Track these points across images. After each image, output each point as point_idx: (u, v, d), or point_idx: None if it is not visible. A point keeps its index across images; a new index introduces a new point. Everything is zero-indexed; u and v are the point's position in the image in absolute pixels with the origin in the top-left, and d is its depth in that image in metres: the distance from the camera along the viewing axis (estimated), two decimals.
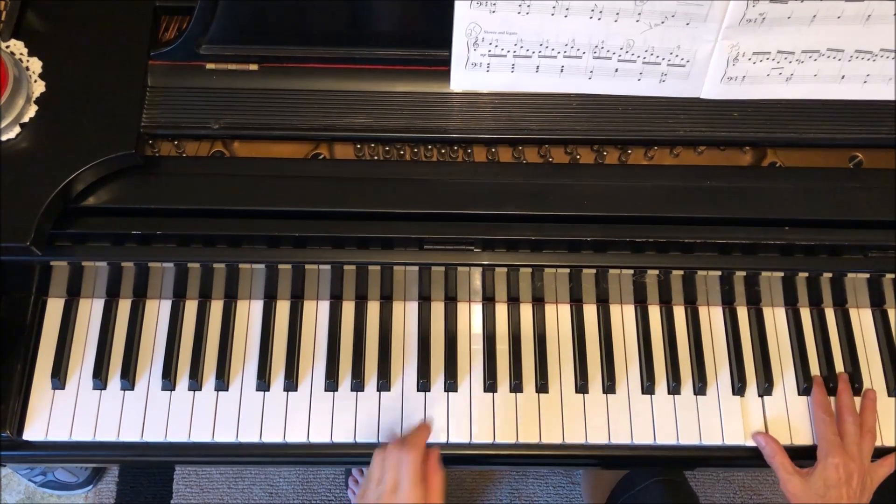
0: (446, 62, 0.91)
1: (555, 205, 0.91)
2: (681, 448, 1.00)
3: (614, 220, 0.92)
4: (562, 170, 0.95)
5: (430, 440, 0.98)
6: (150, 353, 1.01)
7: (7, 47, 0.90)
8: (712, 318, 1.06)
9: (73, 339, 1.01)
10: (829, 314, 1.07)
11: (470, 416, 1.00)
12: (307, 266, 0.96)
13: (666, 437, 1.00)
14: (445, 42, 0.90)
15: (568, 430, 0.99)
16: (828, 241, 0.94)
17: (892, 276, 0.99)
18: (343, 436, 0.98)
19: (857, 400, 1.02)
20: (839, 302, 1.06)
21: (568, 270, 0.98)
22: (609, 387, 1.01)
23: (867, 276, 0.99)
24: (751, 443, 1.00)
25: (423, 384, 1.00)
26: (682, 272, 0.98)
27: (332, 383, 1.00)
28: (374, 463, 0.87)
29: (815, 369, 1.04)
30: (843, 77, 0.92)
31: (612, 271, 0.98)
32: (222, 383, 1.00)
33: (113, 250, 0.92)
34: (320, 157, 0.96)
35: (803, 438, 1.00)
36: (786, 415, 1.02)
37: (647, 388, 1.01)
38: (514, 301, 1.04)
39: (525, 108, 0.93)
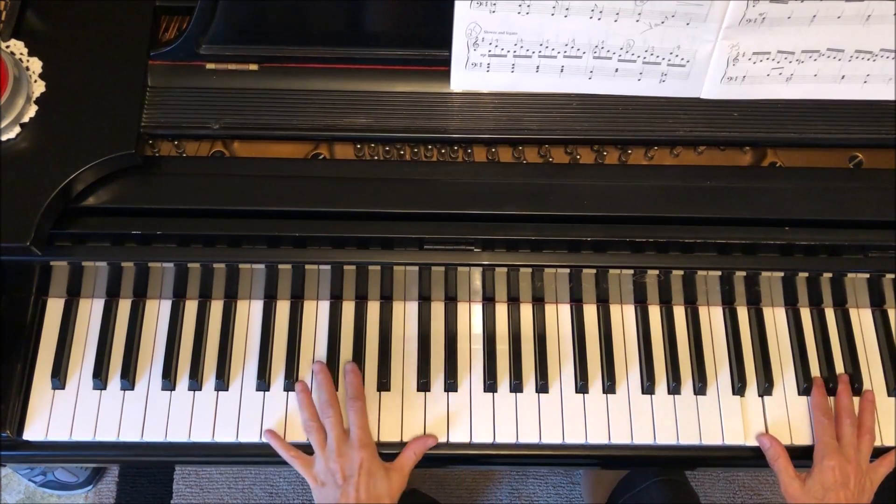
0: (446, 62, 0.91)
1: (555, 205, 0.91)
2: (681, 448, 1.00)
3: (614, 220, 0.92)
4: (562, 170, 0.95)
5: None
6: (150, 353, 1.01)
7: (7, 47, 0.90)
8: (712, 318, 1.06)
9: (73, 339, 1.01)
10: (829, 314, 1.07)
11: (470, 416, 1.00)
12: (307, 266, 0.96)
13: (666, 438, 1.00)
14: (445, 42, 0.90)
15: (568, 430, 0.99)
16: (828, 241, 0.94)
17: (892, 276, 0.99)
18: None
19: (857, 400, 1.02)
20: (839, 302, 1.06)
21: (568, 270, 0.98)
22: (609, 387, 1.01)
23: (867, 276, 0.99)
24: (751, 443, 1.00)
25: (423, 384, 1.00)
26: (682, 272, 0.98)
27: None
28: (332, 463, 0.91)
29: (815, 369, 1.04)
30: (843, 77, 0.92)
31: (612, 271, 0.98)
32: (222, 383, 1.00)
33: (113, 250, 0.92)
34: (320, 157, 0.96)
35: (803, 438, 1.00)
36: (786, 415, 1.02)
37: (647, 388, 1.01)
38: (514, 301, 1.04)
39: (525, 108, 0.93)
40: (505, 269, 0.97)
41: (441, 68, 0.92)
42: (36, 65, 0.90)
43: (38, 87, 0.89)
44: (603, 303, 1.05)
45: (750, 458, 1.00)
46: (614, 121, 0.93)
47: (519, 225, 0.92)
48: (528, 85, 0.93)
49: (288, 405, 0.99)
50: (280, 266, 0.96)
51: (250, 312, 1.03)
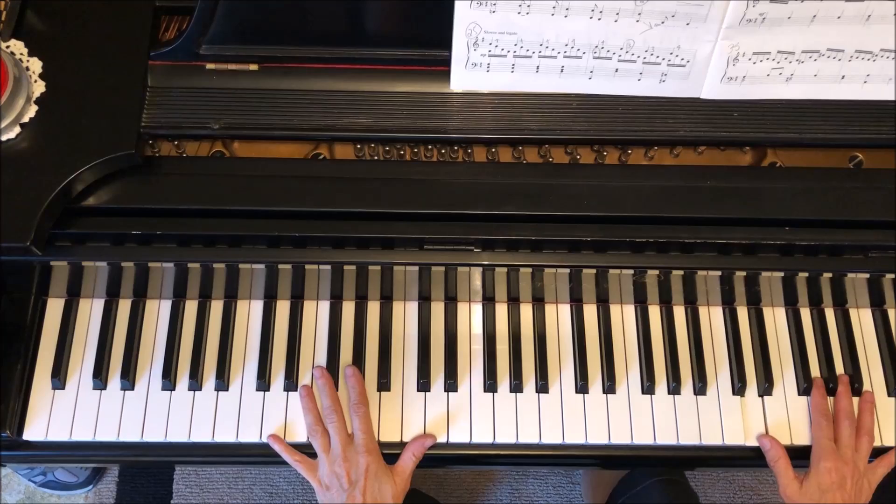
0: (446, 62, 0.91)
1: (555, 205, 0.91)
2: (681, 448, 1.00)
3: (614, 220, 0.92)
4: (562, 170, 0.95)
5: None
6: (150, 353, 1.01)
7: (7, 47, 0.90)
8: (712, 318, 1.06)
9: (73, 339, 1.01)
10: (829, 314, 1.07)
11: (470, 416, 1.00)
12: (307, 266, 0.96)
13: (666, 438, 1.00)
14: (445, 42, 0.90)
15: (568, 430, 0.99)
16: (828, 241, 0.94)
17: (892, 276, 0.99)
18: None
19: (856, 401, 1.02)
20: (839, 302, 1.06)
21: (568, 270, 0.98)
22: (609, 387, 1.01)
23: (867, 276, 0.99)
24: (751, 443, 1.00)
25: (423, 384, 1.00)
26: (682, 272, 0.98)
27: None
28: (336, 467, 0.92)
29: (815, 369, 1.04)
30: (843, 77, 0.92)
31: (612, 271, 0.98)
32: (222, 383, 1.00)
33: (113, 250, 0.92)
34: (320, 157, 0.96)
35: (803, 438, 1.00)
36: (786, 415, 1.02)
37: (647, 388, 1.01)
38: (514, 301, 1.04)
39: (525, 108, 0.93)
40: (505, 269, 0.97)
41: (441, 68, 0.92)
42: (36, 65, 0.90)
43: (38, 87, 0.89)
44: (603, 303, 1.05)
45: (750, 459, 1.01)
46: (614, 121, 0.93)
47: (519, 225, 0.92)
48: (528, 85, 0.93)
49: (288, 405, 0.99)
50: (280, 266, 0.96)
51: (250, 312, 1.03)
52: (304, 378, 1.01)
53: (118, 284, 1.00)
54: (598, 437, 0.99)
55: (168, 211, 0.90)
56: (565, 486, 1.68)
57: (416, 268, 0.97)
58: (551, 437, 0.99)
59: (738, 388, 1.02)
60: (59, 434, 0.97)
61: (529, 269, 0.97)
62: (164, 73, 0.92)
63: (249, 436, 0.98)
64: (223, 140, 0.95)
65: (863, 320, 1.07)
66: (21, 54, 0.90)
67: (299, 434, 0.98)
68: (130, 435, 0.97)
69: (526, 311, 1.05)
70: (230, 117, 0.92)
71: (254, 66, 0.93)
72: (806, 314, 1.07)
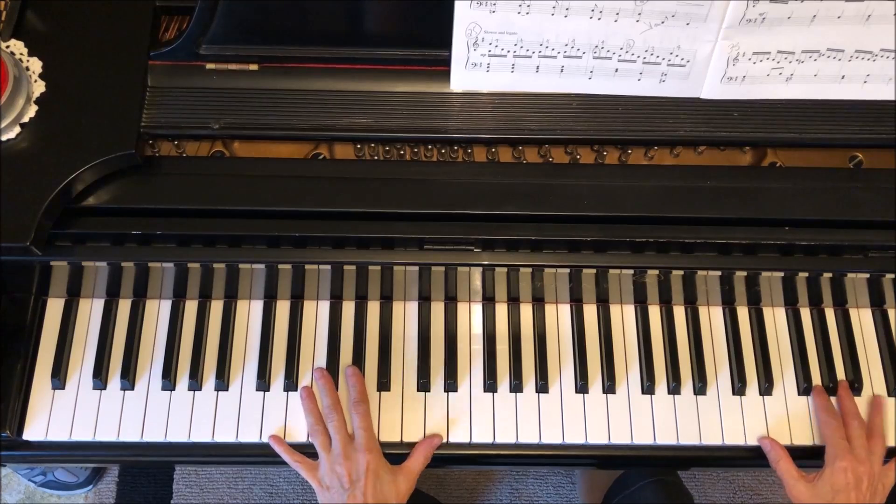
0: (446, 62, 0.91)
1: (555, 205, 0.91)
2: (681, 448, 1.00)
3: (614, 220, 0.92)
4: (562, 170, 0.95)
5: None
6: (150, 353, 1.01)
7: (7, 47, 0.90)
8: (712, 318, 1.06)
9: (73, 339, 1.01)
10: (829, 314, 1.07)
11: (470, 416, 1.00)
12: (307, 266, 0.96)
13: (666, 438, 1.00)
14: (445, 42, 0.90)
15: (568, 430, 0.99)
16: (828, 241, 0.94)
17: (892, 276, 0.99)
18: None
19: (857, 401, 1.02)
20: (839, 302, 1.06)
21: (568, 270, 0.98)
22: (609, 387, 1.01)
23: (867, 276, 0.99)
24: (751, 443, 1.00)
25: (423, 384, 1.00)
26: (682, 272, 0.98)
27: None
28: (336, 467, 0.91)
29: (815, 369, 1.04)
30: (843, 77, 0.92)
31: (612, 271, 0.98)
32: (222, 383, 1.00)
33: (113, 250, 0.92)
34: (320, 157, 0.96)
35: (803, 438, 1.00)
36: (786, 415, 1.02)
37: (647, 388, 1.01)
38: (514, 301, 1.04)
39: (525, 108, 0.93)
40: (505, 269, 0.97)
41: (441, 68, 0.92)
42: (36, 65, 0.90)
43: (38, 87, 0.89)
44: (603, 303, 1.05)
45: (750, 458, 1.00)
46: (614, 121, 0.93)
47: (519, 225, 0.92)
48: (528, 85, 0.93)
49: (288, 405, 0.99)
50: (280, 266, 0.96)
51: (250, 312, 1.03)
52: (305, 378, 1.01)
53: (118, 284, 1.00)
54: (598, 437, 0.99)
55: (168, 211, 0.90)
56: (565, 486, 1.68)
57: (416, 268, 0.97)
58: (551, 437, 0.99)
59: (738, 387, 1.02)
60: (59, 434, 0.97)
61: (529, 269, 0.97)
62: (164, 73, 0.92)
63: (249, 436, 0.98)
64: (223, 140, 0.95)
65: (863, 320, 1.07)
66: (21, 54, 0.90)
67: (299, 434, 0.98)
68: (130, 435, 0.97)
69: (526, 311, 1.05)
70: (230, 117, 0.92)
71: (254, 66, 0.93)
72: (806, 314, 1.07)
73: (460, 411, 1.00)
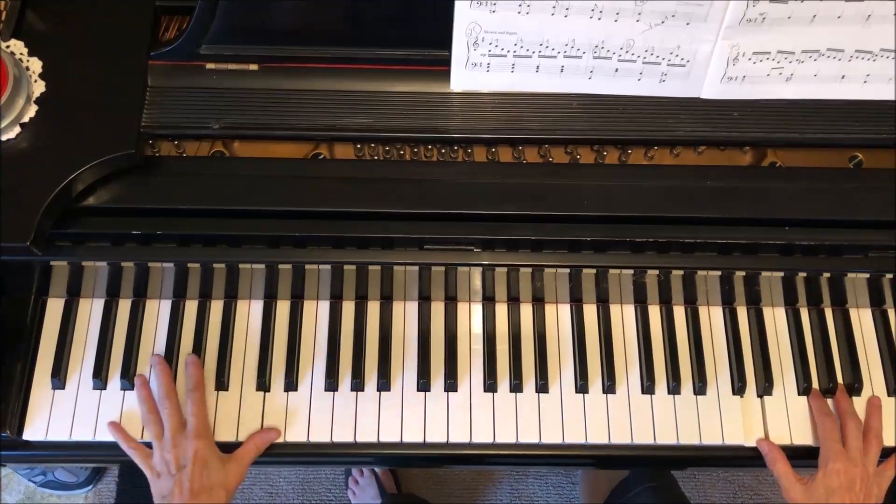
0: (446, 62, 0.91)
1: (555, 205, 0.91)
2: (681, 448, 1.00)
3: (614, 220, 0.92)
4: (562, 170, 0.95)
5: (428, 439, 0.98)
6: (150, 353, 1.01)
7: (7, 47, 0.90)
8: (712, 318, 1.06)
9: (73, 339, 1.01)
10: (829, 314, 1.07)
11: (470, 416, 1.00)
12: (307, 266, 0.96)
13: (666, 438, 1.00)
14: (445, 42, 0.90)
15: (568, 430, 0.99)
16: (828, 241, 0.94)
17: (892, 275, 0.99)
18: (343, 436, 0.98)
19: (856, 401, 1.02)
20: (839, 302, 1.06)
21: (568, 270, 0.98)
22: (609, 387, 1.01)
23: (867, 276, 0.99)
24: (750, 443, 1.00)
25: (423, 384, 1.00)
26: (682, 272, 0.98)
27: (332, 383, 1.00)
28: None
29: (815, 369, 1.04)
30: (843, 77, 0.92)
31: (612, 271, 0.98)
32: (222, 383, 0.99)
33: (113, 250, 0.92)
34: (320, 157, 0.96)
35: (803, 438, 1.00)
36: (786, 415, 1.02)
37: (647, 388, 1.01)
38: (514, 301, 1.04)
39: (525, 108, 0.93)
40: (505, 269, 0.97)
41: (441, 68, 0.92)
42: (36, 65, 0.90)
43: (38, 87, 0.89)
44: (603, 303, 1.05)
45: (750, 458, 1.00)
46: (614, 121, 0.93)
47: (519, 225, 0.92)
48: (528, 85, 0.93)
49: (288, 405, 0.99)
50: (280, 266, 0.96)
51: (250, 312, 1.03)
52: (304, 378, 1.01)
53: (118, 284, 1.00)
54: (597, 437, 0.99)
55: (168, 211, 0.90)
56: (565, 486, 1.68)
57: (416, 268, 0.97)
58: (551, 437, 0.99)
59: (738, 387, 1.02)
60: (59, 434, 0.97)
61: (529, 269, 0.97)
62: (164, 73, 0.92)
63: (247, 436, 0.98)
64: (223, 140, 0.95)
65: (863, 320, 1.07)
66: (21, 54, 0.90)
67: (299, 433, 0.98)
68: (131, 434, 0.97)
69: (526, 311, 1.05)
70: (230, 117, 0.92)
71: (254, 66, 0.93)
72: (806, 314, 1.07)
73: (460, 411, 1.00)
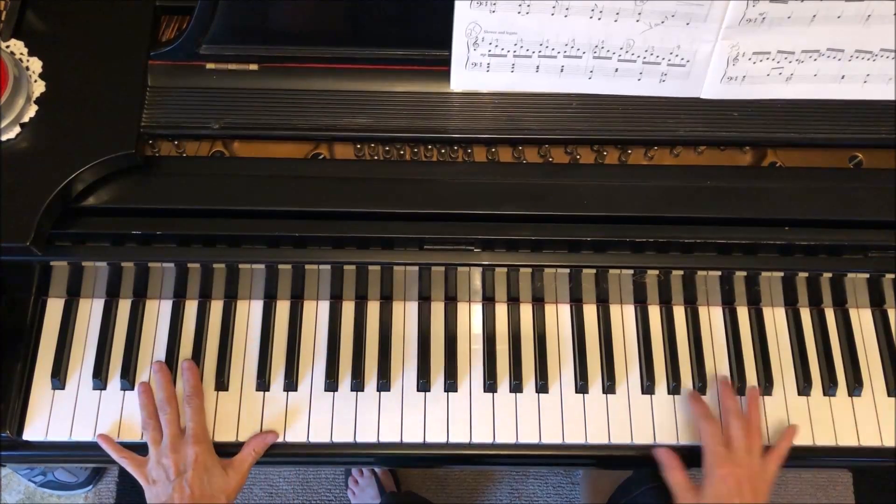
0: (446, 62, 0.91)
1: (555, 205, 0.91)
2: (681, 448, 1.00)
3: (614, 220, 0.92)
4: (562, 170, 0.95)
5: (428, 440, 0.98)
6: (150, 353, 1.01)
7: (7, 47, 0.90)
8: (712, 318, 1.06)
9: (73, 339, 1.01)
10: (829, 314, 1.07)
11: (470, 416, 1.00)
12: (307, 266, 0.96)
13: (666, 437, 1.00)
14: (445, 42, 0.90)
15: (568, 430, 0.99)
16: (828, 241, 0.94)
17: (892, 276, 0.99)
18: (343, 436, 0.98)
19: (856, 400, 1.02)
20: (839, 302, 1.06)
21: (568, 270, 0.98)
22: (609, 387, 1.01)
23: (867, 276, 0.99)
24: None
25: (423, 384, 1.00)
26: (682, 272, 0.98)
27: (331, 383, 1.00)
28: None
29: (815, 369, 1.04)
30: (843, 77, 0.92)
31: (612, 271, 0.98)
32: (222, 383, 0.99)
33: (113, 250, 0.92)
34: (320, 157, 0.96)
35: (803, 438, 1.00)
36: (786, 415, 1.02)
37: (647, 388, 1.01)
38: (513, 301, 1.04)
39: (525, 108, 0.93)
40: (505, 269, 0.97)
41: (441, 68, 0.92)
42: (36, 65, 0.90)
43: (38, 87, 0.89)
44: (603, 303, 1.05)
45: None
46: (614, 121, 0.93)
47: (519, 225, 0.92)
48: (528, 85, 0.93)
49: (288, 405, 0.99)
50: (280, 266, 0.96)
51: (250, 312, 1.04)
52: (304, 378, 1.01)
53: (118, 284, 1.00)
54: (598, 437, 0.99)
55: (168, 211, 0.90)
56: (565, 486, 1.68)
57: (416, 268, 0.97)
58: (551, 437, 0.99)
59: (738, 387, 1.02)
60: (58, 434, 0.97)
61: (529, 269, 0.97)
62: (164, 73, 0.92)
63: (249, 436, 0.98)
64: (223, 140, 0.95)
65: (863, 320, 1.07)
66: (21, 54, 0.90)
67: (299, 433, 0.98)
68: (130, 435, 0.97)
69: (526, 311, 1.05)
70: (230, 117, 0.92)
71: (254, 66, 0.93)
72: (806, 314, 1.07)
73: (460, 411, 1.00)
